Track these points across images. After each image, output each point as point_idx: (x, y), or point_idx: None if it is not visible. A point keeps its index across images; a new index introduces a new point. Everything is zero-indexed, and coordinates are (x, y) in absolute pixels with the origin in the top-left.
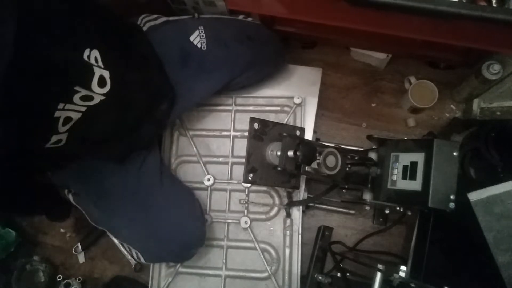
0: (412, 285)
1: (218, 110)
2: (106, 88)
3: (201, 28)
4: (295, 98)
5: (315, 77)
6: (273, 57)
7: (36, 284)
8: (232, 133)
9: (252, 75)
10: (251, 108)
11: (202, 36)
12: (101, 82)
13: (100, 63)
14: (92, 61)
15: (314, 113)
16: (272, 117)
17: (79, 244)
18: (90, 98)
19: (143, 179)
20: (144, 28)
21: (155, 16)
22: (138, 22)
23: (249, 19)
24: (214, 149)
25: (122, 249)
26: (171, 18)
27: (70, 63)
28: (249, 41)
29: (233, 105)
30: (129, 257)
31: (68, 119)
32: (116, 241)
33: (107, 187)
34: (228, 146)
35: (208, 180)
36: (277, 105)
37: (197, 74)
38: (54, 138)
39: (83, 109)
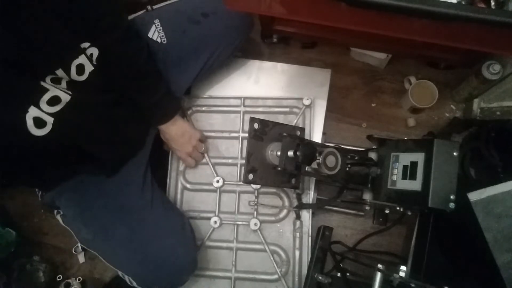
0: (412, 285)
1: (227, 112)
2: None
3: (156, 21)
4: (304, 100)
5: (324, 78)
6: (238, 25)
7: (36, 284)
8: (241, 135)
9: (224, 50)
10: (260, 109)
11: (160, 29)
12: (80, 70)
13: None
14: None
15: (323, 114)
16: (281, 119)
17: (79, 244)
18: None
19: (136, 201)
20: None
21: None
22: None
23: None
24: (223, 151)
25: None
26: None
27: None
28: (205, 18)
29: (242, 106)
30: None
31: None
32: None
33: (97, 207)
34: (237, 148)
35: (217, 181)
36: (286, 106)
37: (165, 70)
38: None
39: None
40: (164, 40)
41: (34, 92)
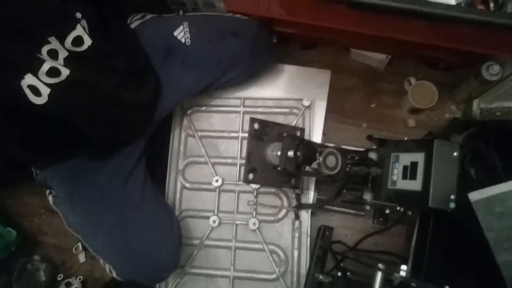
0: (413, 284)
1: (227, 112)
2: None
3: (185, 23)
4: (304, 101)
5: (324, 79)
6: (261, 53)
7: (37, 283)
8: (241, 134)
9: (240, 72)
10: (259, 110)
11: (187, 31)
12: (77, 42)
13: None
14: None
15: (323, 115)
16: (280, 119)
17: (79, 244)
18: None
19: (126, 191)
20: (132, 26)
21: (142, 14)
22: (128, 21)
23: (237, 15)
24: (222, 150)
25: None
26: (156, 16)
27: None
28: (233, 37)
29: (242, 106)
30: None
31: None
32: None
33: (87, 193)
34: (237, 148)
35: (217, 181)
36: (286, 107)
37: (182, 69)
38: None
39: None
40: (188, 42)
41: (30, 61)
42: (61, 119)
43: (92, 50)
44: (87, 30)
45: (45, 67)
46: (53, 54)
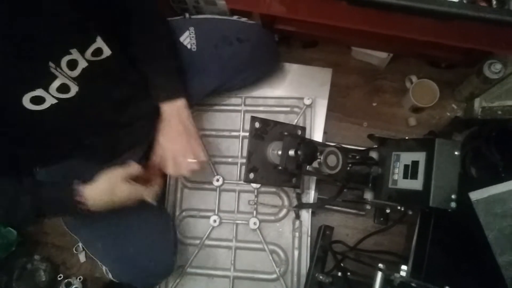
0: (413, 284)
1: (228, 111)
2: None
3: (191, 29)
4: (305, 99)
5: (325, 78)
6: (266, 58)
7: (37, 283)
8: (242, 134)
9: (246, 77)
10: (260, 108)
11: (192, 37)
12: (97, 53)
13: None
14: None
15: (324, 114)
16: (281, 118)
17: (79, 243)
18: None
19: None
20: None
21: None
22: None
23: (243, 19)
24: (223, 150)
25: None
26: None
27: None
28: (239, 42)
29: (243, 105)
30: None
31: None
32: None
33: None
34: (237, 147)
35: (217, 180)
36: (287, 106)
37: (188, 75)
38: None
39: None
40: (194, 48)
41: (43, 76)
42: (59, 127)
43: (111, 61)
44: (106, 42)
45: (56, 83)
46: (72, 64)
